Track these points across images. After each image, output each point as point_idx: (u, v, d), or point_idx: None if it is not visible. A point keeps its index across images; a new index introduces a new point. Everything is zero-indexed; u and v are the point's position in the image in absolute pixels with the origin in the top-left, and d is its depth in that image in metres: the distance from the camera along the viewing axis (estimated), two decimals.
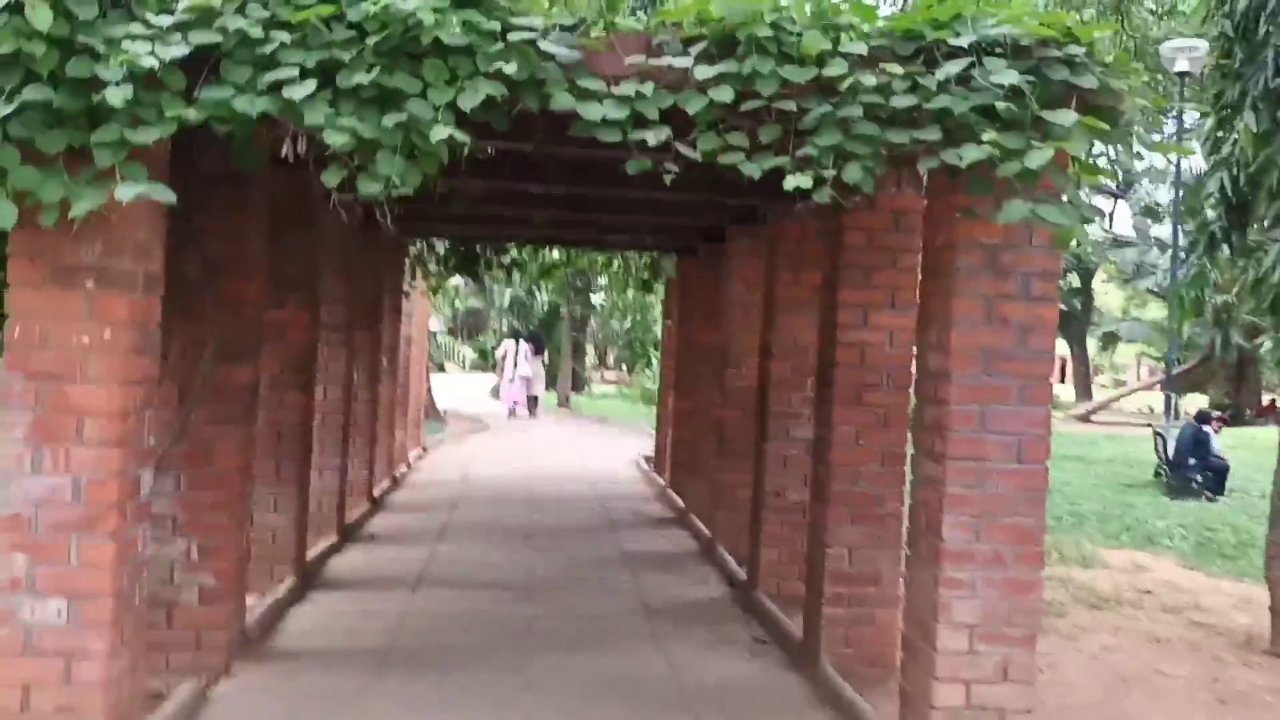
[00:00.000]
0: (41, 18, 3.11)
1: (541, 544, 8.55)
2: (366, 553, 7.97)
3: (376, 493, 10.15)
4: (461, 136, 3.45)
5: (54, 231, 3.44)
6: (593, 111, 3.58)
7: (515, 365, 22.48)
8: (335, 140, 3.39)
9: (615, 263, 13.35)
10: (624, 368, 37.90)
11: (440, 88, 3.47)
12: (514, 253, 11.57)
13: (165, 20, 3.38)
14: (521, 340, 23.23)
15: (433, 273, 11.51)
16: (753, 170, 3.66)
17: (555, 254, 12.23)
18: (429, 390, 17.42)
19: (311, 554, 7.13)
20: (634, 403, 25.93)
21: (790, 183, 3.55)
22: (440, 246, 11.23)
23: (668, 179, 3.64)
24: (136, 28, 3.34)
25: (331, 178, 3.48)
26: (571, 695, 4.89)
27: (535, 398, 22.89)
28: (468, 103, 3.47)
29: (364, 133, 3.42)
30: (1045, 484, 4.01)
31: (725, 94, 3.63)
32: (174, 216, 4.87)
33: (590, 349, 40.63)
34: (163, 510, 5.05)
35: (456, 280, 14.14)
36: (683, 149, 3.62)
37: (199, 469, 5.00)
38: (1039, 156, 3.44)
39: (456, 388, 28.14)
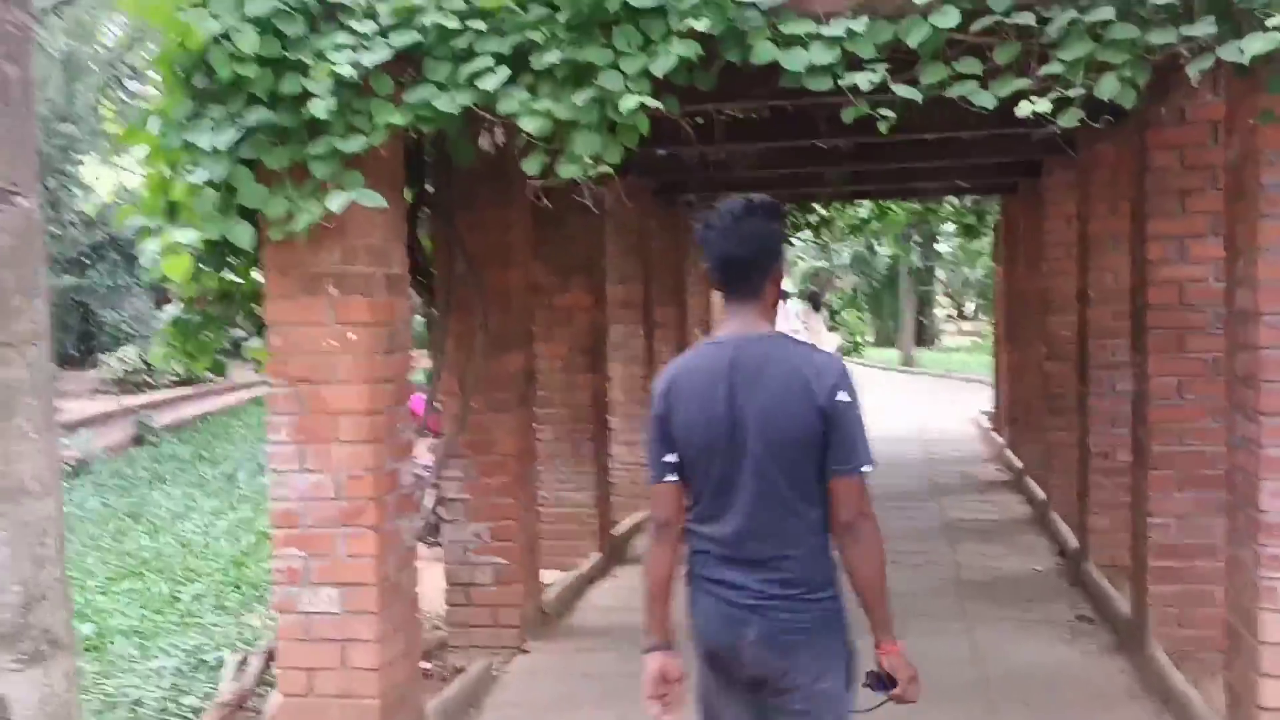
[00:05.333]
0: (248, 41, 3.26)
1: None
2: None
3: None
4: (654, 103, 3.27)
5: (298, 244, 3.61)
6: (796, 59, 3.27)
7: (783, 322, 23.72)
8: (531, 125, 3.32)
9: (938, 210, 12.58)
10: (981, 318, 36.11)
11: (632, 55, 3.31)
12: (820, 210, 11.17)
13: (369, 26, 3.45)
14: (787, 300, 24.23)
15: None
16: (987, 100, 3.21)
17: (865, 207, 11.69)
18: None
19: (620, 529, 7.27)
20: (985, 355, 24.60)
21: (1025, 108, 3.06)
22: None
23: (883, 127, 3.26)
24: (342, 37, 3.42)
25: (532, 165, 3.42)
26: None
27: None
28: (661, 67, 3.28)
29: (559, 114, 3.32)
30: None
31: (950, 17, 3.20)
32: (438, 217, 5.10)
33: (947, 300, 38.97)
34: (455, 496, 5.32)
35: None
36: (900, 90, 3.22)
37: (483, 455, 5.19)
38: None
39: None
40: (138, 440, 12.13)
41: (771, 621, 2.36)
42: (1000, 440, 11.17)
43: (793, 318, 22.43)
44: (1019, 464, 9.61)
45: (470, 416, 5.13)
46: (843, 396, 2.33)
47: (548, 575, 5.81)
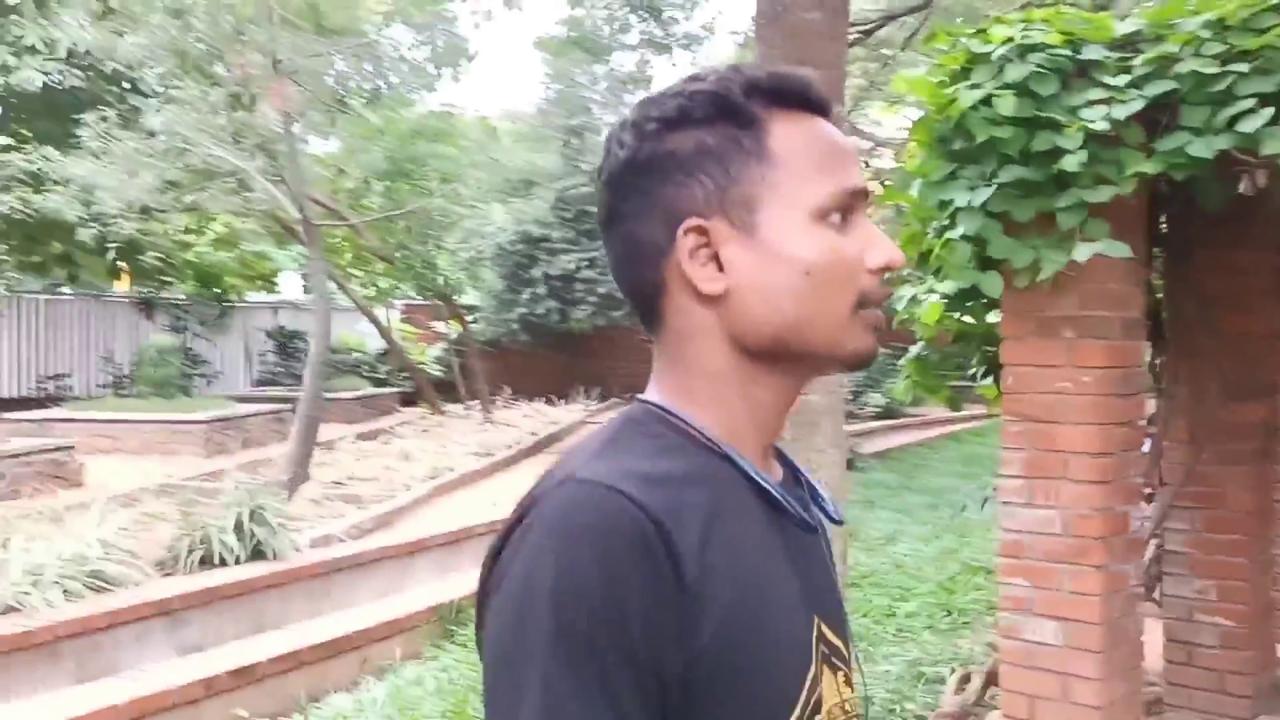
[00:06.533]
0: (1006, 105, 3.54)
1: None
2: None
3: None
4: None
5: (1035, 290, 3.83)
6: None
7: None
8: None
9: None
10: None
11: None
12: None
13: (1121, 79, 3.55)
14: None
15: None
16: None
17: None
18: None
19: None
20: None
21: None
22: None
23: None
24: (1093, 92, 3.57)
25: None
26: None
27: None
28: None
29: None
30: None
31: None
32: (1172, 259, 4.97)
33: None
34: (1179, 549, 5.10)
35: None
36: None
37: (1211, 510, 4.93)
38: None
39: None
40: (849, 465, 13.24)
41: None
42: None
43: None
44: None
45: (1199, 467, 4.90)
46: None
47: None
